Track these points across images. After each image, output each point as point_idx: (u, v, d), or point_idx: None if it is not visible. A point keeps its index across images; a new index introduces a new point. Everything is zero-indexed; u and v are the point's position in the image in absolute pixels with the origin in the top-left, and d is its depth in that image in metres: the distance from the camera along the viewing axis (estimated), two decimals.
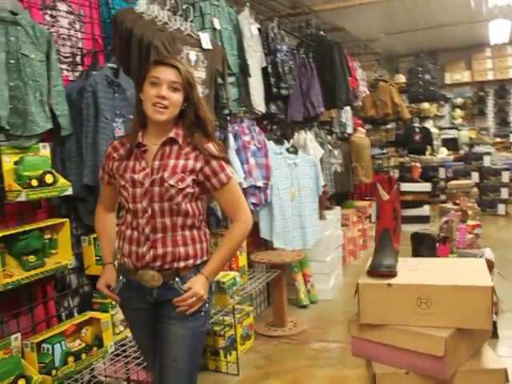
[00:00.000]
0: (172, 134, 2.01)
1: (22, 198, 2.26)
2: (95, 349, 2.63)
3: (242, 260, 3.85)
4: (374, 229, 6.65)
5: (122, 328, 2.86)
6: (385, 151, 8.11)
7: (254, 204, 4.10)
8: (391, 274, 1.78)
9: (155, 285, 2.02)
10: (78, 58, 2.85)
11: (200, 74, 3.15)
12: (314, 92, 4.96)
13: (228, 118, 3.83)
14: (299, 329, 4.26)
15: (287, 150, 4.63)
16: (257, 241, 4.68)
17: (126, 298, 2.13)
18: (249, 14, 4.08)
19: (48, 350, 2.44)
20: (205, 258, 2.08)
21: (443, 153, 9.89)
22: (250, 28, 4.04)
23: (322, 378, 3.42)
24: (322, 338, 4.10)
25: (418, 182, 7.75)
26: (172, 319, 2.03)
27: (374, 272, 1.81)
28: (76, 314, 2.81)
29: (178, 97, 1.97)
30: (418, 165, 7.96)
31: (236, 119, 4.07)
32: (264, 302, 4.92)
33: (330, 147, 5.88)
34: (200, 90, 3.14)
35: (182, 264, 2.01)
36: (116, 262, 2.20)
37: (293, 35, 5.24)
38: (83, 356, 2.55)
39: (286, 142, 4.73)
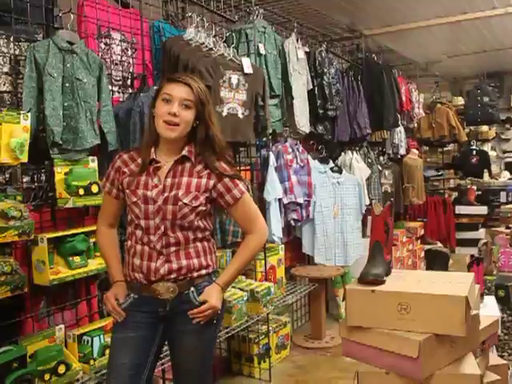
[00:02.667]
0: (185, 152, 2.03)
1: (70, 204, 2.55)
2: None
3: (280, 272, 4.04)
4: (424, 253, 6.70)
5: None
6: (440, 173, 8.09)
7: (294, 220, 4.29)
8: (377, 281, 1.95)
9: (171, 296, 2.02)
10: (129, 81, 3.15)
11: (241, 96, 3.39)
12: (360, 114, 5.11)
13: (270, 137, 4.05)
14: (336, 342, 4.38)
15: (331, 169, 4.80)
16: (299, 255, 4.86)
17: (133, 312, 2.07)
18: (295, 39, 4.30)
19: (88, 341, 2.69)
20: (215, 268, 2.14)
21: (505, 176, 9.71)
22: (297, 52, 4.26)
23: None
24: None
25: (473, 204, 7.69)
26: (186, 333, 2.04)
27: (362, 279, 2.00)
28: None
29: (188, 114, 1.99)
30: (474, 187, 7.90)
31: (280, 139, 4.30)
32: (305, 316, 5.07)
33: (380, 168, 5.99)
34: (240, 111, 3.39)
35: (195, 274, 2.04)
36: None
37: (342, 58, 5.42)
38: None
39: (330, 161, 4.90)
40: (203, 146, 2.05)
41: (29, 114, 2.37)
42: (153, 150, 2.05)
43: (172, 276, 2.02)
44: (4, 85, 2.54)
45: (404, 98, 6.29)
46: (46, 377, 2.44)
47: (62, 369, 2.50)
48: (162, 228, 2.00)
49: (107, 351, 2.69)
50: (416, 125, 7.18)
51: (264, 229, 2.17)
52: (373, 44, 6.13)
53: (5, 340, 2.40)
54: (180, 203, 1.99)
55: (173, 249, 2.02)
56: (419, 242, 7.02)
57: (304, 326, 4.92)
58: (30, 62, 2.50)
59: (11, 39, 2.55)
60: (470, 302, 1.82)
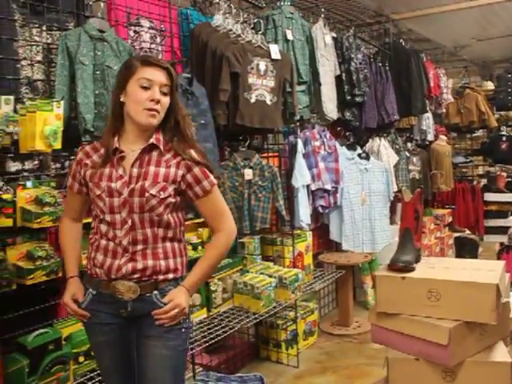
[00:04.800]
0: (153, 140, 1.89)
1: None
2: None
3: (308, 259, 4.05)
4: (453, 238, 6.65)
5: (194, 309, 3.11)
6: (469, 160, 7.98)
7: (322, 206, 4.29)
8: (407, 268, 1.94)
9: (131, 297, 1.87)
10: None
11: (269, 82, 3.39)
12: (388, 100, 5.07)
13: (298, 124, 4.04)
14: (363, 329, 4.39)
15: (359, 155, 4.77)
16: (327, 242, 4.86)
17: (95, 312, 1.94)
18: (323, 25, 4.27)
19: None
20: (185, 273, 1.97)
21: None
22: (324, 38, 4.24)
23: (376, 377, 3.55)
24: None
25: (503, 191, 7.58)
26: (150, 338, 1.89)
27: (392, 266, 1.99)
28: None
29: (167, 100, 1.88)
30: (504, 174, 7.78)
31: (307, 125, 4.29)
32: (332, 303, 5.08)
33: (408, 154, 5.94)
34: (268, 97, 3.39)
35: (161, 277, 1.89)
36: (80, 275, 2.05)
37: (370, 44, 5.37)
38: None
39: (358, 147, 4.88)
40: (173, 132, 1.92)
41: (61, 102, 2.41)
42: (116, 138, 1.90)
43: (135, 276, 1.87)
44: (37, 73, 2.57)
45: (432, 84, 6.20)
46: (80, 359, 2.50)
47: None
48: (130, 222, 1.86)
49: None
50: (444, 110, 7.08)
51: (233, 227, 1.99)
52: (400, 29, 6.06)
53: (41, 323, 2.45)
54: (147, 194, 1.85)
55: (139, 247, 1.88)
56: (447, 229, 6.96)
57: (331, 313, 4.93)
58: (62, 51, 2.53)
59: (44, 28, 2.59)
60: (501, 290, 1.81)
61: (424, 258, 2.12)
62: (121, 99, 1.87)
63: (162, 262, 1.89)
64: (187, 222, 3.07)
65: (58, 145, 2.39)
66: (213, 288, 3.23)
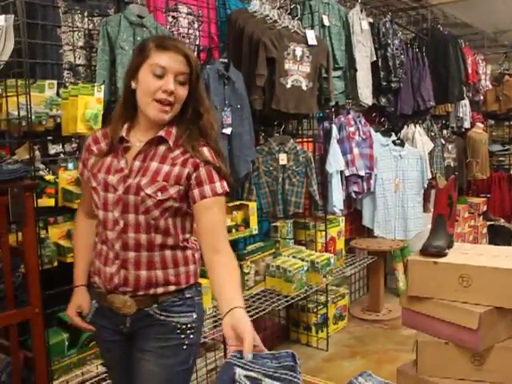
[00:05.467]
0: (162, 133, 1.64)
1: None
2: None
3: (340, 244, 4.08)
4: (487, 228, 6.59)
5: None
6: (506, 148, 7.85)
7: (355, 192, 4.30)
8: (439, 253, 1.97)
9: (129, 312, 1.67)
10: (195, 54, 3.22)
11: (305, 68, 3.41)
12: (424, 86, 5.02)
13: (333, 109, 4.05)
14: (393, 315, 4.41)
15: (393, 142, 4.76)
16: (359, 228, 4.88)
17: (99, 326, 1.78)
18: (360, 10, 4.26)
19: None
20: (191, 282, 1.70)
21: None
22: (361, 23, 4.22)
23: (405, 362, 3.59)
24: None
25: None
26: (145, 353, 1.68)
27: (424, 251, 2.03)
28: None
29: (184, 91, 1.62)
30: None
31: (343, 111, 4.30)
32: (363, 288, 5.11)
33: (444, 141, 5.88)
34: (304, 83, 3.41)
35: (160, 290, 1.65)
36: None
37: (408, 29, 5.32)
38: None
39: (393, 134, 4.86)
40: (190, 126, 1.66)
41: (102, 86, 2.48)
42: (126, 126, 1.67)
43: (128, 289, 1.64)
44: (79, 58, 2.65)
45: (470, 70, 6.11)
46: None
47: None
48: (122, 224, 1.62)
49: None
50: (482, 97, 6.97)
51: (233, 254, 1.59)
52: (438, 14, 5.97)
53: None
54: (142, 194, 1.60)
55: (131, 254, 1.63)
56: (481, 218, 6.88)
57: (362, 299, 4.96)
58: (103, 36, 2.59)
59: (85, 14, 2.65)
60: None
61: (457, 244, 2.14)
62: (132, 86, 1.63)
63: (159, 272, 1.64)
64: None
65: (98, 127, 2.46)
66: (246, 270, 3.29)
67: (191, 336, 1.68)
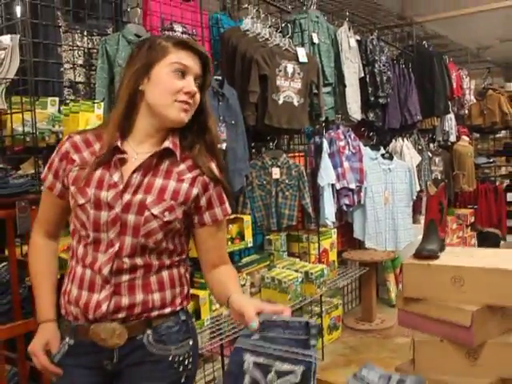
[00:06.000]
0: (169, 144, 1.47)
1: None
2: (194, 320, 3.05)
3: (332, 255, 4.16)
4: (475, 237, 6.70)
5: (217, 306, 3.25)
6: (491, 160, 8.01)
7: (347, 205, 4.40)
8: (432, 256, 2.08)
9: (117, 343, 1.44)
10: None
11: (296, 84, 3.51)
12: (411, 101, 5.16)
13: (323, 124, 4.16)
14: (386, 325, 4.48)
15: (382, 155, 4.87)
16: (350, 240, 4.96)
17: (70, 368, 1.48)
18: (347, 28, 4.39)
19: None
20: (185, 304, 1.55)
21: None
22: (349, 41, 4.35)
23: None
24: (407, 333, 4.30)
25: None
26: None
27: (418, 255, 2.13)
28: None
29: (199, 97, 1.48)
30: None
31: (333, 126, 4.41)
32: (355, 300, 5.18)
33: (431, 154, 6.01)
34: (296, 99, 3.51)
35: (155, 313, 1.47)
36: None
37: (393, 46, 5.47)
38: None
39: (381, 148, 4.98)
40: (195, 139, 1.52)
41: (102, 103, 2.55)
42: (118, 134, 1.46)
43: (119, 316, 1.44)
44: (79, 76, 2.73)
45: (455, 85, 6.27)
46: None
47: None
48: (117, 246, 1.42)
49: None
50: (467, 111, 7.14)
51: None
52: (423, 31, 6.14)
53: None
54: (147, 213, 1.42)
55: (125, 277, 1.44)
56: (469, 229, 7.00)
57: (354, 310, 5.04)
58: (102, 55, 2.69)
59: (85, 34, 2.75)
60: None
61: (448, 247, 2.24)
62: (140, 87, 1.45)
63: (157, 295, 1.47)
64: None
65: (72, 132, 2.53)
66: (241, 282, 3.35)
67: (189, 367, 1.53)
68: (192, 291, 3.06)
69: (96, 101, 2.56)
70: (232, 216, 3.33)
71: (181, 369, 1.51)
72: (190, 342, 1.54)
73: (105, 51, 2.69)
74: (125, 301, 1.43)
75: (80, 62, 2.75)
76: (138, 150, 1.47)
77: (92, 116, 2.50)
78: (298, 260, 3.86)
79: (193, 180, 1.47)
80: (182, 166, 1.48)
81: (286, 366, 1.32)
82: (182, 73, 1.44)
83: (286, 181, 3.61)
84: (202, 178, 1.48)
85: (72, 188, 1.45)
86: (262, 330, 1.33)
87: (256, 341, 1.35)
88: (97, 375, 1.48)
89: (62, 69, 2.64)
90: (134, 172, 1.44)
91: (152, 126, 1.47)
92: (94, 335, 1.44)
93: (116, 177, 1.43)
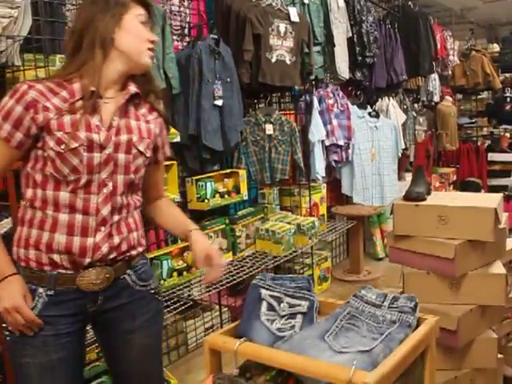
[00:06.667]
0: (134, 88, 1.60)
1: None
2: (194, 269, 3.19)
3: (322, 209, 4.35)
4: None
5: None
6: (474, 120, 8.21)
7: (335, 161, 4.58)
8: (420, 198, 2.28)
9: (105, 285, 1.55)
10: (186, 30, 3.43)
11: (288, 43, 3.64)
12: (397, 61, 5.30)
13: (313, 83, 4.30)
14: (373, 276, 4.72)
15: (369, 113, 5.03)
16: (338, 196, 5.15)
17: (51, 319, 1.51)
18: None
19: (158, 264, 2.99)
20: (144, 243, 1.71)
21: None
22: (337, 1, 4.46)
23: None
24: (393, 284, 4.54)
25: (506, 152, 7.83)
26: (134, 332, 1.64)
27: (407, 196, 2.33)
28: (179, 241, 3.41)
29: None
30: (508, 135, 8.02)
31: (322, 84, 4.55)
32: (343, 254, 5.42)
33: (415, 114, 6.19)
34: (288, 57, 3.64)
35: (134, 252, 1.62)
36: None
37: (380, 6, 5.58)
38: (184, 273, 3.08)
39: (368, 106, 5.13)
40: (146, 83, 1.66)
41: None
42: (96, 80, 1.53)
43: (111, 256, 1.54)
44: None
45: (439, 46, 6.42)
46: None
47: None
48: (110, 185, 1.52)
49: (174, 274, 3.00)
50: (450, 72, 7.30)
51: None
52: None
53: None
54: (134, 151, 1.57)
55: (116, 217, 1.55)
56: (452, 187, 7.24)
57: (342, 263, 5.26)
58: None
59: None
60: (498, 215, 2.14)
61: (433, 192, 2.44)
62: (114, 35, 1.54)
63: (134, 234, 1.61)
64: (214, 173, 3.37)
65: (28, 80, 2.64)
66: (237, 234, 3.54)
67: (161, 296, 1.75)
68: None
69: None
70: (228, 170, 3.50)
71: (159, 298, 1.73)
72: (155, 276, 1.77)
73: None
74: (116, 240, 1.54)
75: None
76: (105, 93, 1.56)
77: None
78: (289, 213, 4.04)
79: (154, 121, 1.66)
80: (144, 110, 1.65)
81: (295, 301, 1.56)
82: (144, 24, 1.60)
83: (279, 136, 3.76)
84: (160, 121, 1.68)
85: (57, 134, 1.46)
86: (272, 279, 1.60)
87: (270, 282, 1.60)
88: (78, 321, 1.55)
89: (66, 27, 2.73)
90: (114, 114, 1.55)
91: (118, 73, 1.57)
92: (82, 281, 1.51)
93: (97, 120, 1.51)
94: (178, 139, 3.04)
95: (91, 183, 1.50)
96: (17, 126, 1.47)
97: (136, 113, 1.62)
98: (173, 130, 2.99)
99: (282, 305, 1.57)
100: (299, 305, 1.58)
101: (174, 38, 3.33)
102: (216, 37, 3.30)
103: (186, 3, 3.42)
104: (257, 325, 1.52)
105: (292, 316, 1.56)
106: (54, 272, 1.50)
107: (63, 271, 1.50)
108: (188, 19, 3.43)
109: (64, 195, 1.48)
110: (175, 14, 3.34)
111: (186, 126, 3.17)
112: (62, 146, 1.46)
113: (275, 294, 1.59)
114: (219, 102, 3.24)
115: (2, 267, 1.49)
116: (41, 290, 1.50)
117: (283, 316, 1.56)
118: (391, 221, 4.88)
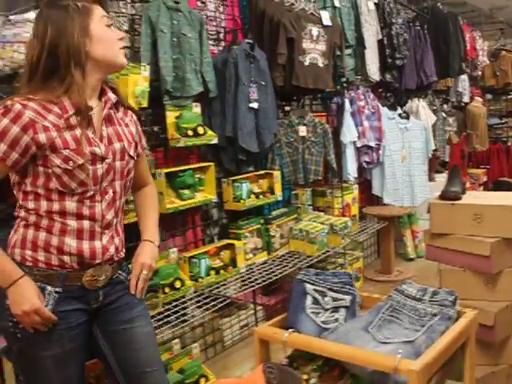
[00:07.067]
0: (112, 95, 1.68)
1: (181, 144, 2.93)
2: (230, 267, 3.26)
3: (354, 209, 4.40)
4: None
5: (251, 255, 3.50)
6: (504, 121, 8.16)
7: (366, 162, 4.63)
8: (456, 197, 2.33)
9: (105, 283, 1.68)
10: (222, 35, 3.52)
11: (321, 46, 3.71)
12: (427, 62, 5.33)
13: (344, 85, 4.36)
14: (404, 276, 4.74)
15: (399, 115, 5.07)
16: (369, 197, 5.20)
17: (63, 314, 1.60)
18: None
19: (196, 263, 3.07)
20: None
21: None
22: (367, 4, 4.52)
23: None
24: (424, 283, 4.56)
25: None
26: (135, 320, 1.74)
27: (443, 195, 2.38)
28: (216, 240, 3.51)
29: None
30: None
31: (353, 86, 4.61)
32: (374, 254, 5.46)
33: (445, 115, 6.20)
34: (320, 60, 3.71)
35: (122, 253, 1.76)
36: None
37: (409, 8, 5.61)
38: (221, 271, 3.14)
39: (398, 108, 5.17)
40: (115, 89, 1.75)
41: (147, 66, 2.76)
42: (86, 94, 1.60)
43: (114, 256, 1.70)
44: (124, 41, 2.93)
45: (468, 46, 6.42)
46: (166, 289, 2.83)
47: (178, 284, 2.89)
48: (111, 192, 1.65)
49: (212, 272, 3.07)
50: (480, 73, 7.28)
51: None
52: None
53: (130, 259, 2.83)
54: (127, 157, 1.69)
55: (115, 220, 1.69)
56: (482, 188, 7.21)
57: (373, 263, 5.30)
58: (145, 21, 2.88)
59: (128, 1, 2.95)
60: None
61: (468, 191, 2.49)
62: (86, 48, 1.56)
63: (122, 235, 1.75)
64: (250, 174, 3.45)
65: (145, 103, 2.74)
66: (272, 233, 3.61)
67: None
68: (228, 241, 3.33)
69: (142, 63, 2.77)
70: (262, 172, 3.58)
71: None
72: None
73: (147, 17, 2.88)
74: (116, 241, 1.68)
75: (125, 27, 2.94)
76: (91, 104, 1.61)
77: (140, 77, 2.71)
78: (322, 214, 4.09)
79: (131, 123, 1.75)
80: (120, 114, 1.73)
81: (338, 295, 1.64)
82: (109, 25, 1.64)
83: (312, 138, 3.83)
84: (134, 119, 1.78)
85: (65, 152, 1.52)
86: (316, 274, 1.70)
87: (314, 277, 1.69)
88: (84, 315, 1.66)
89: None
90: (102, 124, 1.63)
91: (97, 80, 1.63)
92: (89, 278, 1.62)
93: (91, 133, 1.59)
94: (215, 141, 3.12)
95: (96, 192, 1.60)
96: (13, 146, 1.50)
97: (116, 117, 1.70)
98: (210, 133, 3.09)
99: (325, 299, 1.65)
100: (342, 299, 1.66)
101: (210, 42, 3.42)
102: (251, 41, 3.38)
103: (221, 9, 3.51)
104: (303, 317, 1.60)
105: (335, 309, 1.64)
106: (63, 271, 1.59)
107: (71, 270, 1.60)
108: (223, 24, 3.52)
109: (71, 205, 1.57)
110: (211, 20, 3.43)
111: (223, 128, 3.25)
112: (70, 163, 1.53)
113: (319, 288, 1.66)
114: (254, 105, 3.32)
115: (9, 271, 1.55)
116: (49, 287, 1.58)
117: (327, 309, 1.64)
118: (422, 221, 4.95)
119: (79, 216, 1.58)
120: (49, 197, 1.56)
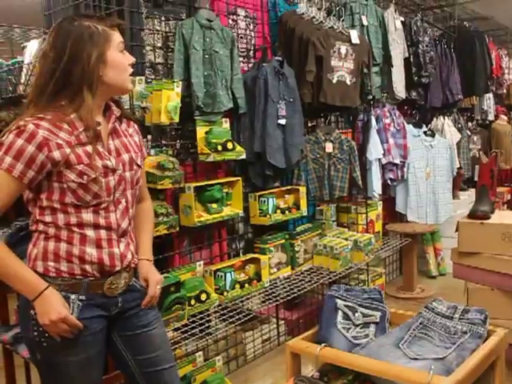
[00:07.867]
0: (117, 109, 1.78)
1: (211, 158, 2.99)
2: (255, 281, 3.30)
3: (378, 226, 4.41)
4: None
5: (275, 270, 3.53)
6: None
7: (391, 179, 4.65)
8: (484, 216, 2.34)
9: (124, 289, 1.76)
10: (251, 53, 3.59)
11: (349, 64, 3.75)
12: (453, 80, 5.35)
13: (371, 102, 4.39)
14: (426, 294, 4.73)
15: (424, 132, 5.08)
16: (392, 213, 5.20)
17: (87, 321, 1.67)
18: (394, 10, 4.59)
19: (222, 276, 3.10)
20: None
21: None
22: (395, 22, 4.56)
23: None
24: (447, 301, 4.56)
25: None
26: (152, 323, 1.83)
27: (472, 215, 2.39)
28: (241, 254, 3.54)
29: None
30: None
31: (379, 104, 4.64)
32: (396, 271, 5.44)
33: (469, 133, 6.19)
34: (348, 78, 3.75)
35: (136, 260, 1.83)
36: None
37: (436, 27, 5.65)
38: (246, 285, 3.17)
39: (424, 125, 5.19)
40: (118, 103, 1.84)
41: (180, 82, 2.82)
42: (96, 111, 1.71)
43: (131, 263, 1.79)
44: (158, 57, 3.01)
45: (494, 64, 6.42)
46: (192, 302, 2.86)
47: (203, 296, 2.92)
48: (124, 201, 1.73)
49: (237, 286, 3.10)
50: (505, 91, 7.27)
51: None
52: (464, 11, 6.28)
53: (160, 270, 2.86)
54: (135, 167, 1.77)
55: (130, 228, 1.78)
56: (506, 206, 7.15)
57: (395, 280, 5.29)
58: (179, 38, 2.95)
59: (162, 19, 3.02)
60: None
61: (496, 211, 2.50)
62: (100, 73, 1.64)
63: (135, 241, 1.83)
64: (276, 190, 3.49)
65: (176, 118, 2.80)
66: (296, 248, 3.64)
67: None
68: (253, 256, 3.37)
69: (175, 80, 2.84)
70: (289, 187, 3.62)
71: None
72: None
73: (181, 35, 2.95)
74: (132, 248, 1.77)
75: (159, 44, 3.02)
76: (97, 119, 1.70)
77: (172, 93, 2.77)
78: (346, 230, 4.12)
79: (134, 132, 1.84)
80: (124, 125, 1.82)
81: (368, 311, 1.67)
82: (122, 51, 1.71)
83: (338, 155, 3.86)
84: (136, 129, 1.86)
85: (80, 167, 1.59)
86: (346, 290, 1.75)
87: (344, 293, 1.73)
88: (104, 321, 1.73)
89: (144, 51, 2.92)
90: (108, 138, 1.72)
91: (103, 100, 1.72)
92: (109, 286, 1.70)
93: (100, 146, 1.67)
94: (243, 156, 3.16)
95: (110, 203, 1.68)
96: (29, 165, 1.56)
97: (121, 130, 1.79)
98: (239, 148, 3.14)
99: (356, 314, 1.68)
100: (372, 315, 1.69)
101: (240, 59, 3.49)
102: (280, 59, 3.44)
103: (251, 27, 3.57)
104: (334, 332, 1.63)
105: (366, 325, 1.67)
106: (86, 279, 1.66)
107: (93, 278, 1.67)
108: (253, 42, 3.59)
109: (87, 216, 1.64)
110: (241, 37, 3.50)
111: (252, 143, 3.30)
112: (85, 178, 1.60)
113: (349, 304, 1.70)
114: (283, 121, 3.37)
115: (35, 283, 1.60)
116: (73, 296, 1.65)
117: (358, 325, 1.67)
118: (445, 239, 4.93)
119: (96, 226, 1.66)
120: (65, 210, 1.63)
